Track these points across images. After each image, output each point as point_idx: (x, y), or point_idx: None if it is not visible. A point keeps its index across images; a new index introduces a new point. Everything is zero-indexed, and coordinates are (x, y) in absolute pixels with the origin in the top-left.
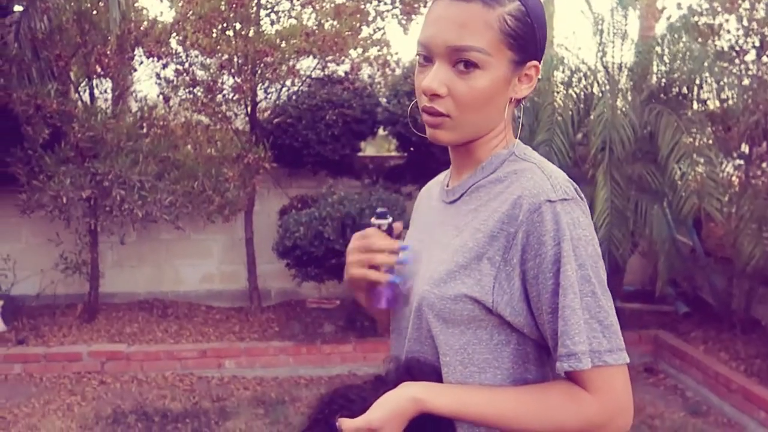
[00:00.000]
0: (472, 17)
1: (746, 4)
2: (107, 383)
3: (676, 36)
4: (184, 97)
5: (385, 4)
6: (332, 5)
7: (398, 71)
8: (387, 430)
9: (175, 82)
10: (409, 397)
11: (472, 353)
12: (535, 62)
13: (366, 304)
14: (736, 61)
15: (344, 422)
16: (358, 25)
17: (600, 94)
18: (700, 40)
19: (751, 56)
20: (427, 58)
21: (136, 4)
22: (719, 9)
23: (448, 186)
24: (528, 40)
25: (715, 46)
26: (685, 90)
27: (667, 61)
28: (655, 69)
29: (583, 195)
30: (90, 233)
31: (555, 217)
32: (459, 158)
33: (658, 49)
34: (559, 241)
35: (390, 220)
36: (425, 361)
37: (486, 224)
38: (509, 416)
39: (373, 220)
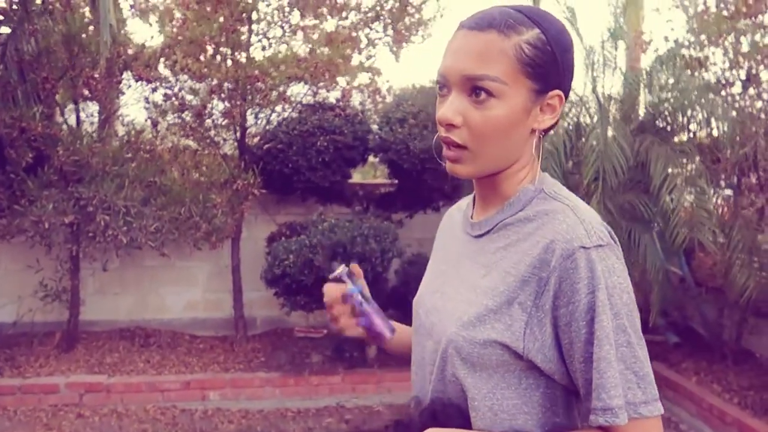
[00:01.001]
0: (488, 46)
1: (731, 38)
2: (85, 417)
3: (664, 67)
4: (172, 121)
5: (377, 32)
6: (324, 32)
7: (389, 98)
8: None
9: (163, 107)
10: None
11: (501, 398)
12: (558, 91)
13: (380, 345)
14: (723, 93)
15: None
16: (349, 52)
17: (591, 124)
18: (687, 72)
19: (737, 88)
20: (445, 88)
21: (125, 28)
22: (705, 42)
23: (472, 218)
24: (549, 68)
25: (702, 78)
26: (673, 120)
27: (655, 91)
28: (643, 100)
29: (616, 238)
30: (71, 259)
31: (589, 264)
32: (484, 191)
33: (646, 80)
34: (594, 290)
35: (341, 268)
36: (450, 402)
37: (517, 268)
38: None
39: (330, 276)
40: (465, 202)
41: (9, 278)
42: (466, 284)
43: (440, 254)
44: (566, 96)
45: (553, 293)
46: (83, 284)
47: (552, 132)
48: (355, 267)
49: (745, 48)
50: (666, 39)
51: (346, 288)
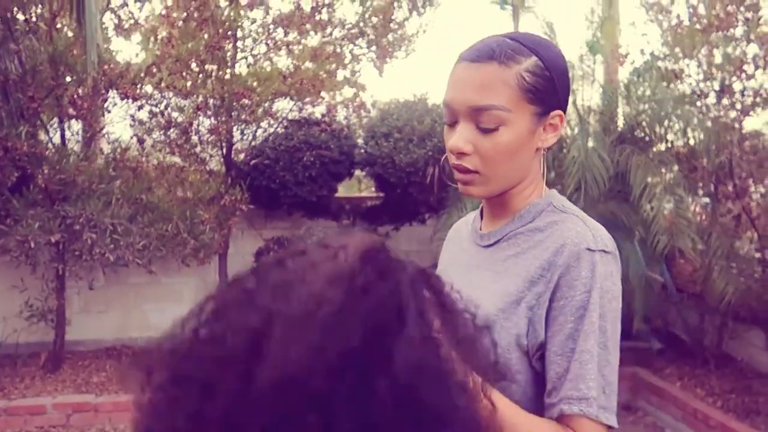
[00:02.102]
0: (490, 77)
1: (705, 50)
2: None
3: (640, 80)
4: (158, 138)
5: (361, 47)
6: (308, 48)
7: (374, 113)
8: None
9: (149, 124)
10: None
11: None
12: (558, 111)
13: None
14: (698, 103)
15: None
16: (334, 67)
17: (572, 136)
18: (663, 83)
19: (711, 99)
20: (452, 117)
21: (110, 47)
22: (680, 54)
23: (481, 229)
24: (548, 92)
25: (678, 89)
26: (651, 131)
27: (633, 103)
28: (621, 111)
29: (617, 253)
30: (57, 279)
31: (592, 266)
32: (494, 207)
33: (624, 92)
34: (590, 289)
35: None
36: None
37: (527, 270)
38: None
39: None
40: (472, 215)
41: None
42: (477, 291)
43: (449, 265)
44: (564, 113)
45: (553, 288)
46: (68, 303)
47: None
48: None
49: (718, 60)
50: (642, 52)
51: None
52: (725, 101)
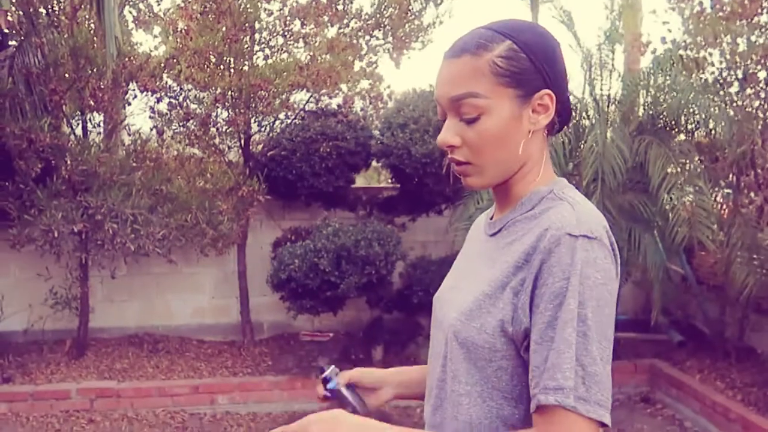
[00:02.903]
0: (464, 69)
1: (728, 38)
2: (97, 421)
3: (661, 69)
4: (177, 130)
5: (377, 39)
6: (325, 40)
7: (390, 104)
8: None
9: (168, 116)
10: (357, 422)
11: (491, 388)
12: (546, 91)
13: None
14: (721, 93)
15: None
16: (350, 59)
17: (590, 126)
18: (684, 73)
19: (734, 88)
20: (442, 114)
21: (130, 39)
22: (703, 43)
23: (492, 219)
24: (528, 73)
25: (700, 78)
26: (672, 121)
27: (653, 93)
28: (642, 101)
29: (615, 243)
30: (80, 267)
31: (571, 251)
32: (500, 196)
33: (644, 81)
34: (568, 276)
35: (324, 373)
36: None
37: (513, 256)
38: None
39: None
40: (493, 208)
41: (19, 287)
42: (476, 278)
43: (462, 255)
44: (561, 93)
45: (535, 273)
46: (92, 292)
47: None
48: (341, 375)
49: (741, 48)
50: (663, 40)
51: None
52: (749, 90)
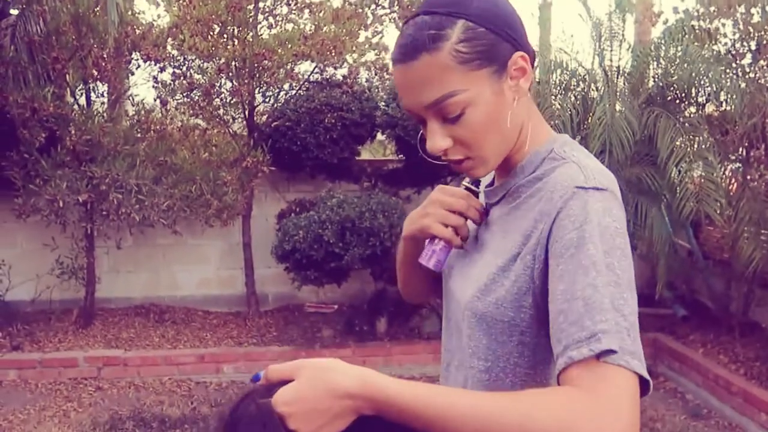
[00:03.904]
0: (428, 70)
1: (742, 9)
2: (104, 389)
3: (672, 40)
4: (181, 100)
5: (383, 8)
6: (330, 9)
7: None
8: (306, 386)
9: (172, 86)
10: (350, 369)
11: (514, 365)
12: (518, 53)
13: (409, 258)
14: (733, 64)
15: (271, 366)
16: (356, 28)
17: (599, 98)
18: (696, 44)
19: (747, 60)
20: (417, 118)
21: (133, 8)
22: (716, 13)
23: (491, 186)
24: (493, 45)
25: (712, 50)
26: (682, 93)
27: (663, 64)
28: (652, 73)
29: (620, 196)
30: (86, 238)
31: (584, 204)
32: (500, 164)
33: (655, 52)
34: (583, 224)
35: (479, 190)
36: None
37: (521, 224)
38: (485, 413)
39: (465, 182)
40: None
41: (26, 257)
42: (487, 249)
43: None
44: (527, 48)
45: (546, 238)
46: (98, 262)
47: (559, 106)
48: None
49: (756, 19)
50: (675, 10)
51: (478, 205)
52: (762, 62)
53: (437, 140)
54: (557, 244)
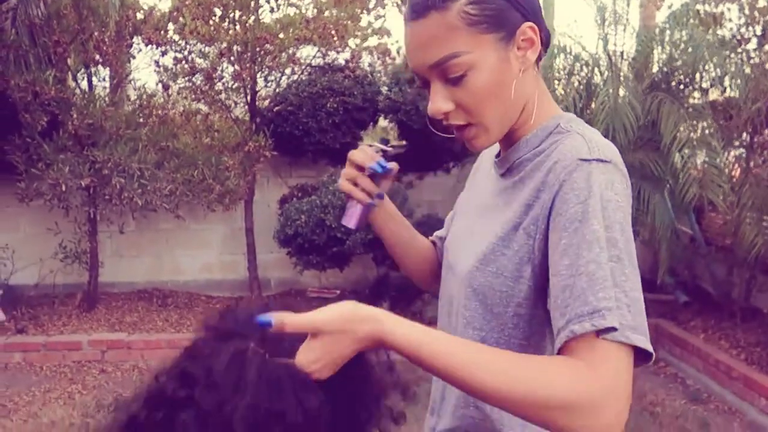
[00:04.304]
0: (435, 29)
1: None
2: (108, 372)
3: (677, 24)
4: (183, 85)
5: None
6: None
7: (399, 60)
8: (331, 343)
9: (174, 70)
10: (367, 315)
11: (509, 336)
12: (528, 24)
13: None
14: (738, 49)
15: (284, 317)
16: (358, 12)
17: (602, 83)
18: (701, 28)
19: (752, 45)
20: (422, 80)
21: None
22: None
23: (499, 156)
24: (503, 12)
25: (717, 34)
26: (686, 78)
27: (668, 49)
28: (656, 57)
29: (628, 177)
30: (89, 222)
31: (587, 176)
32: (504, 138)
33: (659, 37)
34: (586, 198)
35: (388, 147)
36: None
37: (523, 195)
38: (481, 364)
39: (375, 143)
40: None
41: (29, 241)
42: (490, 221)
43: (472, 193)
44: (539, 22)
45: (549, 209)
46: (101, 247)
47: (565, 88)
48: (394, 165)
49: (761, 3)
50: None
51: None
52: (767, 47)
53: (438, 102)
54: (560, 218)
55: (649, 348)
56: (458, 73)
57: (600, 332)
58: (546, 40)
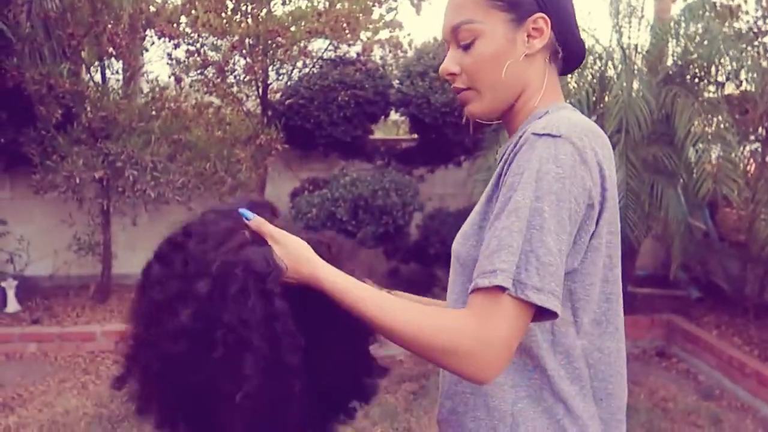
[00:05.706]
0: None
1: None
2: (121, 362)
3: (693, 17)
4: (195, 78)
5: None
6: None
7: (410, 53)
8: (284, 254)
9: (186, 63)
10: (310, 258)
11: None
12: (540, 14)
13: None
14: (755, 42)
15: (262, 221)
16: (370, 5)
17: (616, 76)
18: (717, 21)
19: None
20: (447, 47)
21: None
22: None
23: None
24: None
25: (733, 27)
26: (701, 72)
27: (683, 42)
28: (671, 50)
29: (601, 160)
30: (102, 214)
31: (531, 149)
32: (507, 126)
33: (674, 30)
34: (523, 171)
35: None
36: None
37: (497, 171)
38: (388, 310)
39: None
40: None
41: (44, 233)
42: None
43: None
44: (562, 21)
45: (504, 180)
46: (114, 239)
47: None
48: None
49: None
50: None
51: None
52: None
53: (448, 63)
54: (503, 187)
55: (550, 306)
56: (468, 39)
57: (499, 288)
58: (574, 47)
